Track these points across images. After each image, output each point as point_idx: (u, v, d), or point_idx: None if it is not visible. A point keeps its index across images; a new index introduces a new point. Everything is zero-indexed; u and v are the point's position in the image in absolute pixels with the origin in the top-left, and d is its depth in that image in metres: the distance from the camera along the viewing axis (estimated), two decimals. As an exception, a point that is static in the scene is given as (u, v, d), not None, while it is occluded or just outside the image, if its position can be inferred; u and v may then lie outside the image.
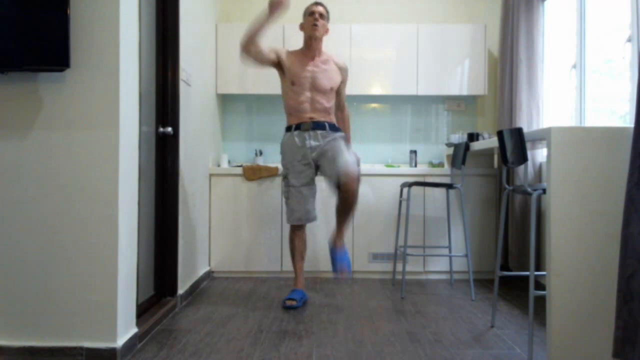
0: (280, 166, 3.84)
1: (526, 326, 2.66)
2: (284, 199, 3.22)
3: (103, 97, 2.11)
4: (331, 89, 3.16)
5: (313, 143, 3.09)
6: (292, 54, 3.22)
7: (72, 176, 2.12)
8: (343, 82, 3.27)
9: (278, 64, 3.17)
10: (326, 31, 3.20)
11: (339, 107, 3.33)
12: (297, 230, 3.19)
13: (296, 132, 3.11)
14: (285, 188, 3.19)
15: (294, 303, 2.98)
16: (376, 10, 4.47)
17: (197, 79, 3.46)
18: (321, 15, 3.13)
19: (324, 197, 3.69)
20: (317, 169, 3.16)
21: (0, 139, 2.13)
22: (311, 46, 3.17)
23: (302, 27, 3.21)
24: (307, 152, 3.09)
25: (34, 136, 2.13)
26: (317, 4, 3.17)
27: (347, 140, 3.27)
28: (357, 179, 2.96)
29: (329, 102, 3.16)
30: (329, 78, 3.15)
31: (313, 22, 3.11)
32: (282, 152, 3.20)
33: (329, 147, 3.07)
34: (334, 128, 3.15)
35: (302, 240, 3.21)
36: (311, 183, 3.15)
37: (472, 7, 4.45)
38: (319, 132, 3.10)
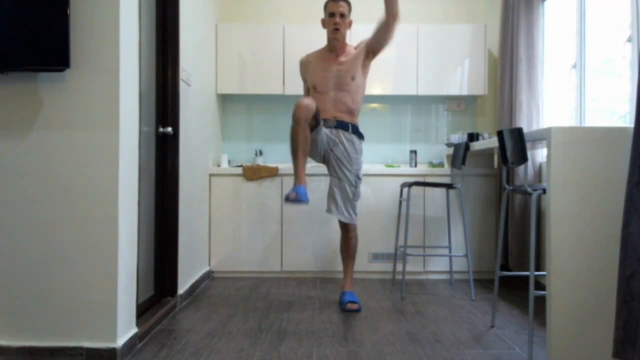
0: (280, 166, 3.85)
1: (526, 326, 2.66)
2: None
3: (103, 97, 2.11)
4: (353, 78, 3.07)
5: (333, 137, 3.05)
6: (314, 57, 3.18)
7: (72, 176, 2.12)
8: (365, 44, 3.09)
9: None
10: (349, 26, 3.13)
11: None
12: (300, 120, 2.76)
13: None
14: None
15: (298, 198, 2.69)
16: (376, 11, 4.45)
17: (197, 79, 3.46)
18: (342, 15, 3.05)
19: (324, 198, 3.69)
20: (324, 158, 3.10)
21: (0, 139, 2.13)
22: (335, 47, 3.12)
23: (324, 24, 3.15)
24: (325, 135, 3.02)
25: (34, 136, 2.13)
26: (336, 0, 3.05)
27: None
28: (354, 228, 3.14)
29: (352, 102, 3.09)
30: (350, 69, 3.07)
31: (334, 27, 3.05)
32: None
33: (342, 160, 3.03)
34: (356, 131, 3.12)
35: (306, 134, 2.80)
36: (319, 138, 2.97)
37: (472, 7, 4.45)
38: (342, 132, 3.06)
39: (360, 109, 3.18)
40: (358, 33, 4.13)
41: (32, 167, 2.13)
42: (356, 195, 3.11)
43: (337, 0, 3.06)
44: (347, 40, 3.22)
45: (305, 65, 3.22)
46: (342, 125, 3.06)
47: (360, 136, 3.16)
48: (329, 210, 3.09)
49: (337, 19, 3.04)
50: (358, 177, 3.11)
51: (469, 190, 3.80)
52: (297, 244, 3.86)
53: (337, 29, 3.05)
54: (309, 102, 2.78)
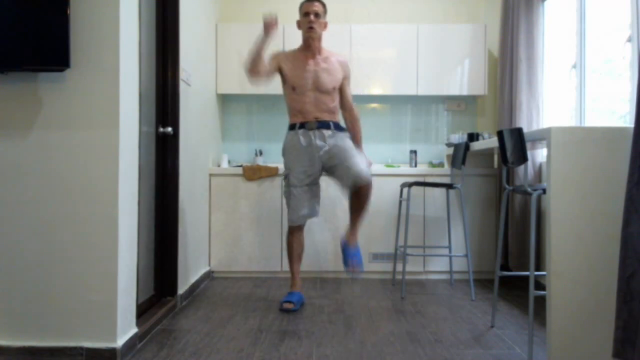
0: (280, 166, 3.85)
1: (526, 326, 2.66)
2: (284, 200, 3.19)
3: (103, 97, 2.11)
4: (334, 88, 3.11)
5: (319, 142, 3.04)
6: (291, 55, 3.16)
7: (72, 176, 2.12)
8: (345, 77, 3.18)
9: (280, 70, 3.15)
10: (325, 27, 3.14)
11: (346, 108, 3.21)
12: (295, 232, 3.14)
13: (301, 131, 3.06)
14: (285, 188, 3.14)
15: (290, 306, 2.94)
16: (376, 10, 4.47)
17: (197, 79, 3.46)
18: (316, 14, 3.06)
19: (325, 198, 3.69)
20: (325, 170, 3.10)
21: (0, 139, 2.13)
22: (310, 45, 3.12)
23: (299, 25, 3.16)
24: (314, 153, 3.04)
25: (34, 136, 2.13)
26: (311, 0, 3.08)
27: (357, 141, 3.18)
28: (371, 184, 3.00)
29: (332, 102, 3.11)
30: (331, 77, 3.10)
31: (308, 25, 3.06)
32: (285, 152, 3.13)
33: (338, 151, 3.02)
34: (339, 127, 3.11)
35: (300, 242, 3.16)
36: (314, 183, 3.11)
37: (472, 7, 4.45)
38: (324, 131, 3.05)
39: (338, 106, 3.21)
40: (359, 33, 4.15)
41: (32, 167, 2.13)
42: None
43: (312, 0, 3.08)
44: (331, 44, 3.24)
45: (286, 60, 3.13)
46: (324, 125, 3.07)
47: (342, 129, 3.14)
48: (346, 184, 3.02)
49: (312, 18, 3.05)
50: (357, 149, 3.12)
51: (469, 190, 3.80)
52: (297, 244, 3.85)
53: (311, 27, 3.05)
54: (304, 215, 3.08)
